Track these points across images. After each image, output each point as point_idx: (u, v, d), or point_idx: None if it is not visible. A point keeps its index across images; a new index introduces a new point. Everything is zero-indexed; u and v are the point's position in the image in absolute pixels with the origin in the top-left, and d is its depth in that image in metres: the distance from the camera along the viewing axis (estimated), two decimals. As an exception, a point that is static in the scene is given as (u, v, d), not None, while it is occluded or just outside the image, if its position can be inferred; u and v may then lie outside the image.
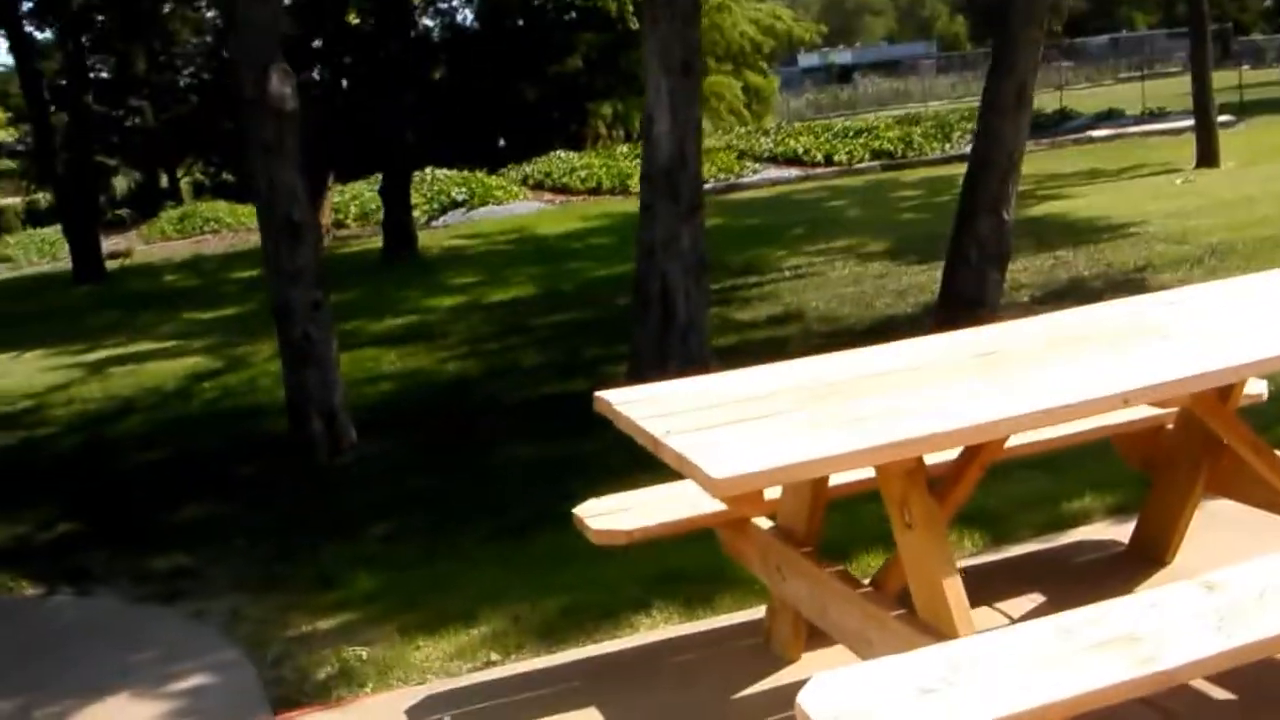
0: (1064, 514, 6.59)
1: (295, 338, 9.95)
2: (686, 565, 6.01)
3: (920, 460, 3.86)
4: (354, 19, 26.86)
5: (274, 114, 9.71)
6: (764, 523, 4.92)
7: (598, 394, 4.44)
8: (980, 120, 11.98)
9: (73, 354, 16.42)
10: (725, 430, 3.82)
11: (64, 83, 29.03)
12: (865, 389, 4.17)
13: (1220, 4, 66.39)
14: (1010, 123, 11.52)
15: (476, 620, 5.90)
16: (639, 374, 10.51)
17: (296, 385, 10.05)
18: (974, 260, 11.54)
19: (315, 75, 28.79)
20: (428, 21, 46.02)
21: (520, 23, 42.17)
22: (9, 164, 40.67)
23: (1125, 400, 3.95)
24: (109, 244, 30.36)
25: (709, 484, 3.44)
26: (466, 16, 45.92)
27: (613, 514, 4.97)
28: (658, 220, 10.56)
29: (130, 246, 31.27)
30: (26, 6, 27.13)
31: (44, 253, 31.18)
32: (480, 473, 8.97)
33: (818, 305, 13.56)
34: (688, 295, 10.54)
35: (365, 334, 15.06)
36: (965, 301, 11.55)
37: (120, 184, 45.04)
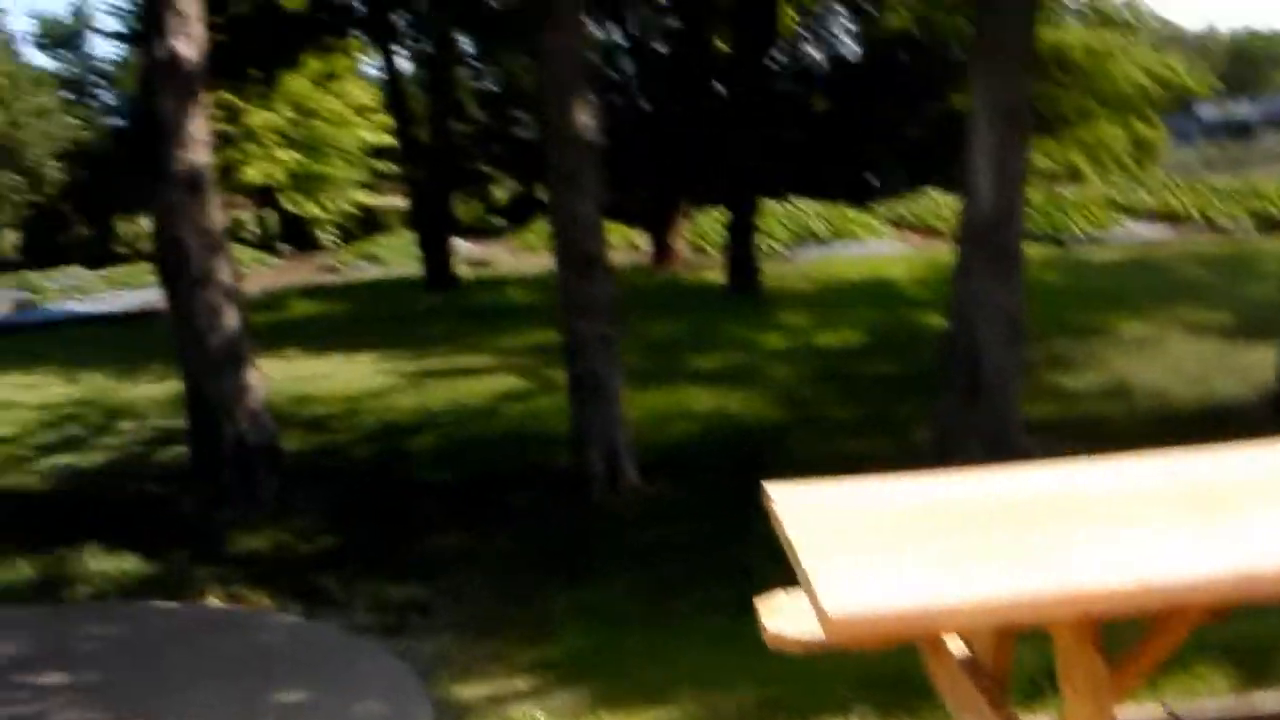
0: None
1: (582, 371, 9.76)
2: (903, 667, 5.52)
3: (1091, 618, 3.29)
4: (721, 44, 26.62)
5: (573, 144, 9.51)
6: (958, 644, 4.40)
7: (767, 486, 3.99)
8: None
9: (399, 361, 16.64)
10: (872, 554, 3.35)
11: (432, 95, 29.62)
12: (1051, 515, 3.63)
13: None
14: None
15: (670, 700, 5.52)
16: (942, 441, 10.03)
17: (580, 420, 9.87)
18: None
19: (676, 99, 28.66)
20: (811, 50, 45.90)
21: (904, 57, 41.64)
22: (394, 168, 41.93)
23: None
24: (475, 251, 30.95)
25: (822, 619, 2.99)
26: (849, 47, 45.65)
27: (797, 611, 4.50)
28: (972, 278, 10.00)
29: (488, 257, 31.79)
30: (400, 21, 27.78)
31: (409, 255, 31.97)
32: (744, 533, 8.57)
33: (1150, 380, 12.75)
34: (999, 361, 9.95)
35: (682, 369, 14.83)
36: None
37: (500, 193, 45.99)
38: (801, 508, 3.78)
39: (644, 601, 7.24)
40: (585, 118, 9.51)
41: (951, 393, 10.08)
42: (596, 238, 9.70)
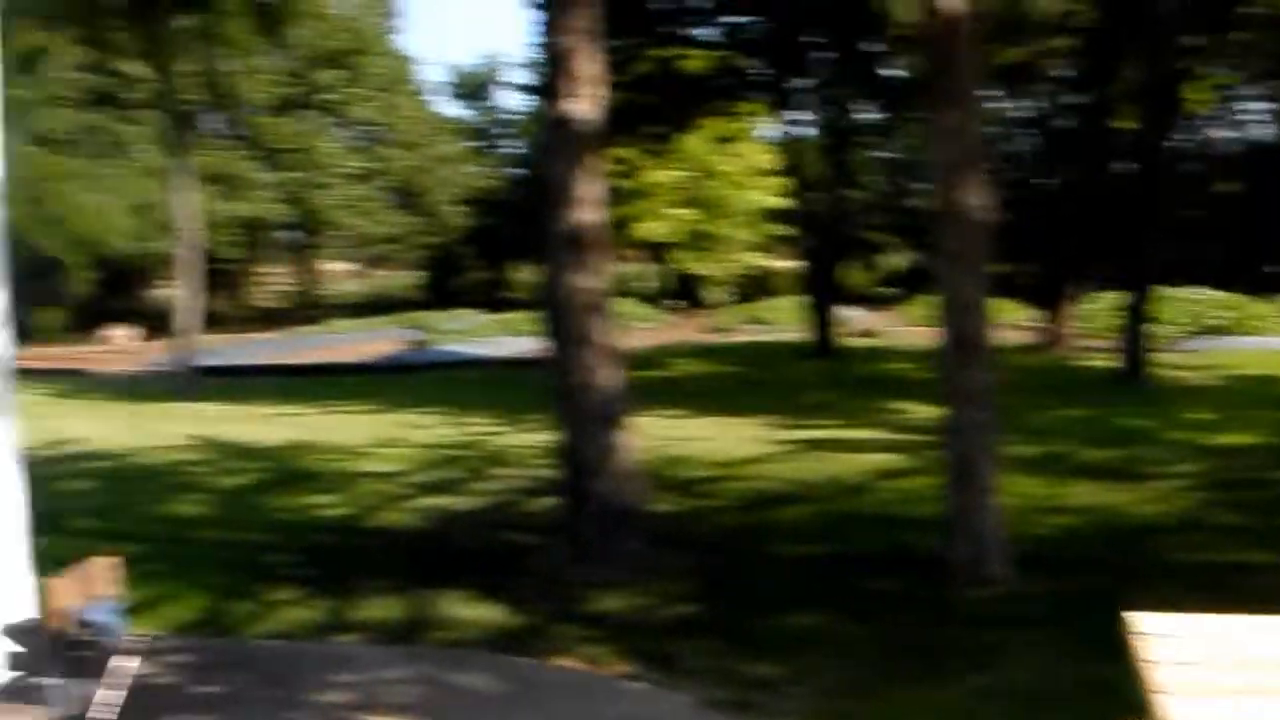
0: None
1: (958, 457, 9.53)
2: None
3: None
4: (1126, 122, 25.93)
5: (963, 223, 9.30)
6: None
7: (1131, 616, 3.74)
8: None
9: (777, 428, 16.65)
10: (1232, 700, 3.09)
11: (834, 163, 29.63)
12: None
13: None
14: None
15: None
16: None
17: (953, 506, 9.63)
18: None
19: (1075, 176, 28.03)
20: (1225, 132, 44.53)
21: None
22: (786, 231, 42.18)
23: None
24: (865, 319, 30.88)
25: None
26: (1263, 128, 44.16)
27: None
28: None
29: (877, 326, 31.65)
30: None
31: (795, 319, 32.07)
32: (1107, 644, 8.18)
33: None
34: None
35: (1065, 459, 14.40)
36: None
37: (893, 261, 45.84)
38: (1167, 641, 3.54)
39: (994, 708, 6.96)
40: (977, 197, 9.28)
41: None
42: (980, 321, 9.45)
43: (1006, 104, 30.11)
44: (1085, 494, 12.70)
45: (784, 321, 32.73)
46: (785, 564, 10.32)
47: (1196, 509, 12.11)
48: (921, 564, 9.84)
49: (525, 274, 44.59)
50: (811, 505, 12.41)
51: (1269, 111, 43.95)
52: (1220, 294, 31.72)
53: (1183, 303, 30.16)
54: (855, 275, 39.40)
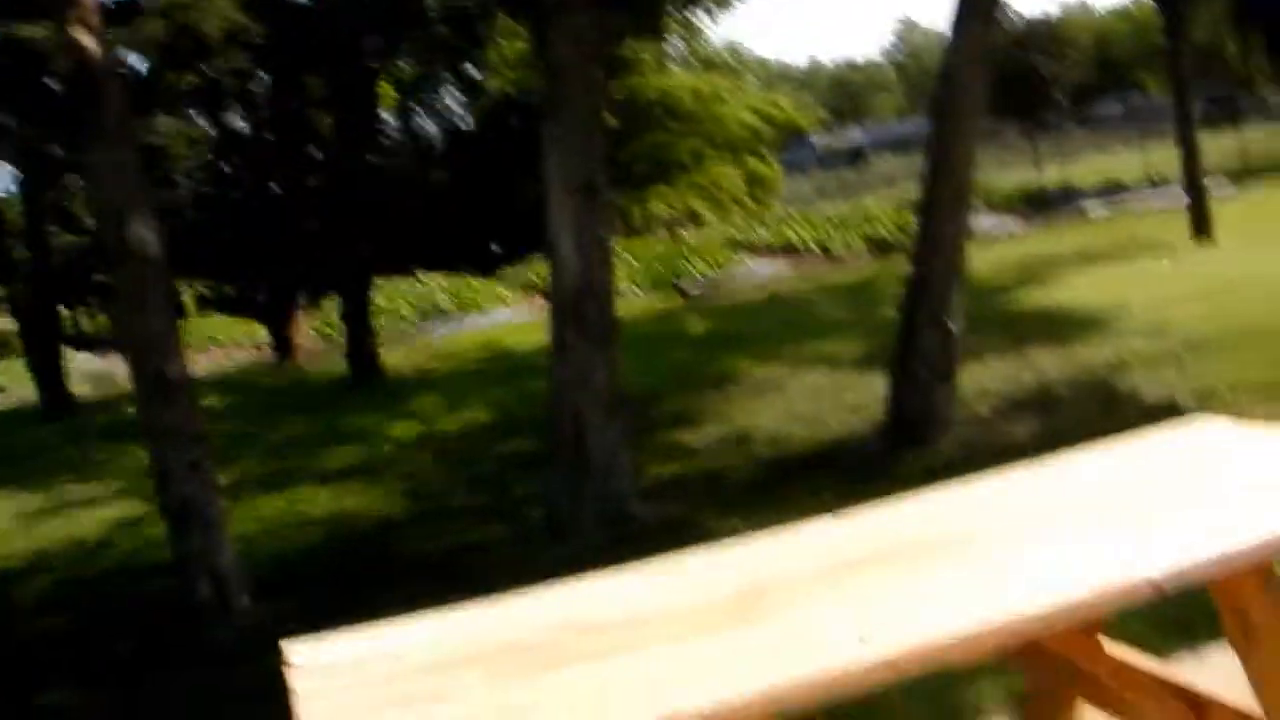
0: (956, 703, 5.73)
1: (174, 502, 9.22)
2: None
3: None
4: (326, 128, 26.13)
5: (134, 262, 8.99)
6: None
7: (285, 644, 3.61)
8: (919, 223, 11.24)
9: (8, 501, 15.76)
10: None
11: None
12: (573, 652, 3.33)
13: (1231, 65, 65.74)
14: (950, 223, 10.82)
15: None
16: (555, 521, 9.84)
17: (181, 551, 9.33)
18: (920, 376, 10.78)
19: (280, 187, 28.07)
20: (427, 125, 45.75)
21: (515, 122, 41.70)
22: None
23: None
24: (97, 364, 29.86)
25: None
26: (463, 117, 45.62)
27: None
28: (567, 351, 9.83)
29: (112, 368, 30.74)
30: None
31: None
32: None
33: (769, 425, 12.71)
34: (604, 434, 9.80)
35: (305, 470, 14.34)
36: (914, 420, 10.80)
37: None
38: (314, 669, 3.43)
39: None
40: (144, 233, 8.98)
41: (560, 470, 9.89)
42: (173, 357, 9.16)
43: (204, 124, 29.79)
44: (327, 502, 12.69)
45: (18, 383, 31.22)
46: (33, 640, 9.77)
47: (435, 497, 12.32)
48: (169, 612, 9.52)
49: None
50: (52, 574, 11.84)
51: (463, 103, 45.46)
52: (449, 279, 32.54)
53: (412, 293, 30.80)
54: (89, 320, 38.04)
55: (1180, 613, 5.29)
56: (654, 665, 3.14)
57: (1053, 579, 3.35)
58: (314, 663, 3.47)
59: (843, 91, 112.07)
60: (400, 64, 31.48)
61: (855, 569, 3.65)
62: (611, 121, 34.07)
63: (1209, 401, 10.33)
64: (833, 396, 13.49)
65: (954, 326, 10.75)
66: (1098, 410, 10.91)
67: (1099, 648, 4.32)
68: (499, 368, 20.59)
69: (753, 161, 46.53)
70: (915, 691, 5.70)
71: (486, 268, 34.81)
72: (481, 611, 3.68)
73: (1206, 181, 23.96)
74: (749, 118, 45.52)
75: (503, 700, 3.05)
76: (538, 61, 10.60)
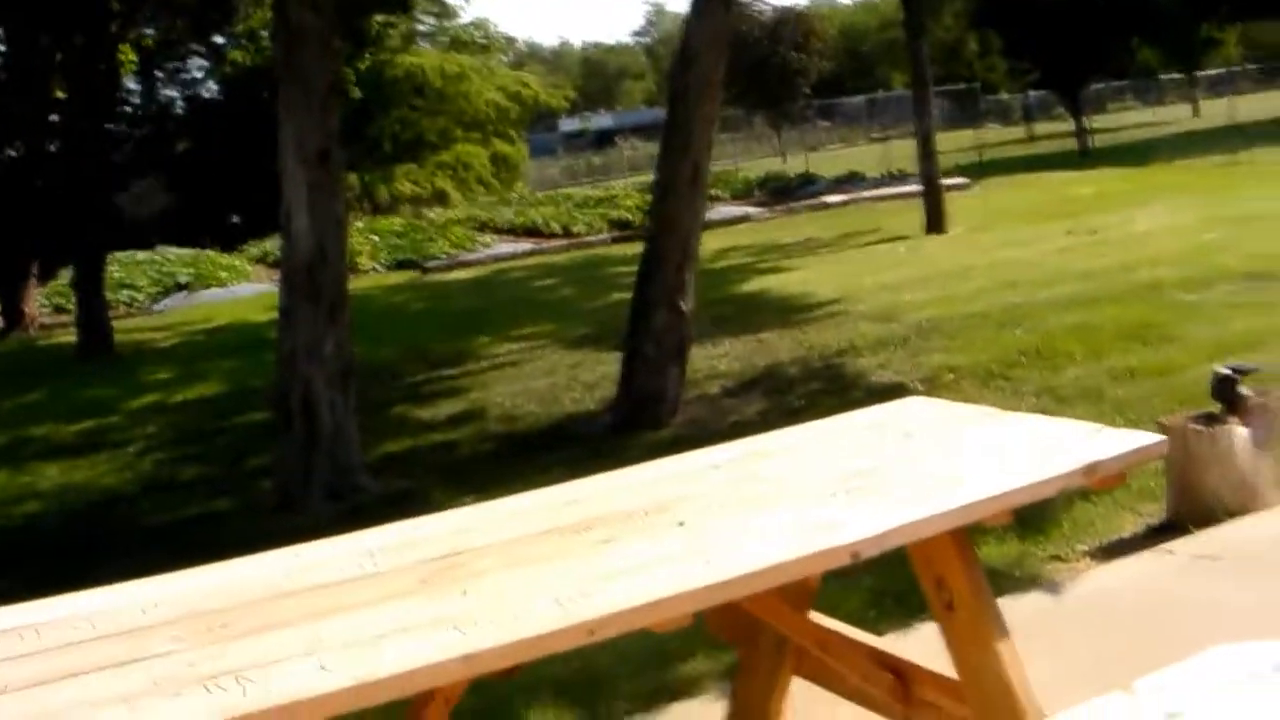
0: (672, 680, 5.77)
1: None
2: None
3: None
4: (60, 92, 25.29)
5: None
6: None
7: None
8: (654, 204, 11.33)
9: None
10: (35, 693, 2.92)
11: None
12: (280, 617, 3.28)
13: (969, 64, 67.46)
14: (685, 205, 10.89)
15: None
16: (284, 492, 9.73)
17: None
18: (651, 355, 10.86)
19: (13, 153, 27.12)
20: (170, 92, 44.69)
21: (266, 93, 40.94)
22: None
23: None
24: None
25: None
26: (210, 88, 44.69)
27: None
28: (297, 324, 9.71)
29: None
30: None
31: None
32: None
33: (503, 401, 12.70)
34: (333, 406, 9.71)
35: (35, 444, 13.92)
36: (645, 399, 10.87)
37: None
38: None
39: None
40: None
41: (289, 442, 9.78)
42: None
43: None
44: (57, 475, 12.31)
45: None
46: None
47: (165, 468, 12.08)
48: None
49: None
50: None
51: (208, 70, 44.54)
52: (190, 251, 31.86)
53: (150, 265, 30.06)
54: None
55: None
56: (358, 629, 3.11)
57: (752, 545, 3.40)
58: None
59: (593, 75, 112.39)
60: (146, 31, 30.71)
61: (558, 537, 3.67)
62: (355, 93, 33.83)
63: (933, 384, 10.62)
64: (567, 374, 13.54)
65: (686, 307, 10.85)
66: (826, 391, 11.13)
67: (808, 621, 4.40)
68: (235, 340, 20.23)
69: (499, 142, 46.35)
70: (633, 667, 5.77)
71: (228, 241, 34.12)
72: (189, 577, 3.62)
73: (942, 175, 24.52)
74: (497, 97, 45.35)
75: (201, 662, 3.00)
76: (278, 30, 10.42)
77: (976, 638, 3.85)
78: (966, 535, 3.81)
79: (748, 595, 3.48)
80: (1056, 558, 6.75)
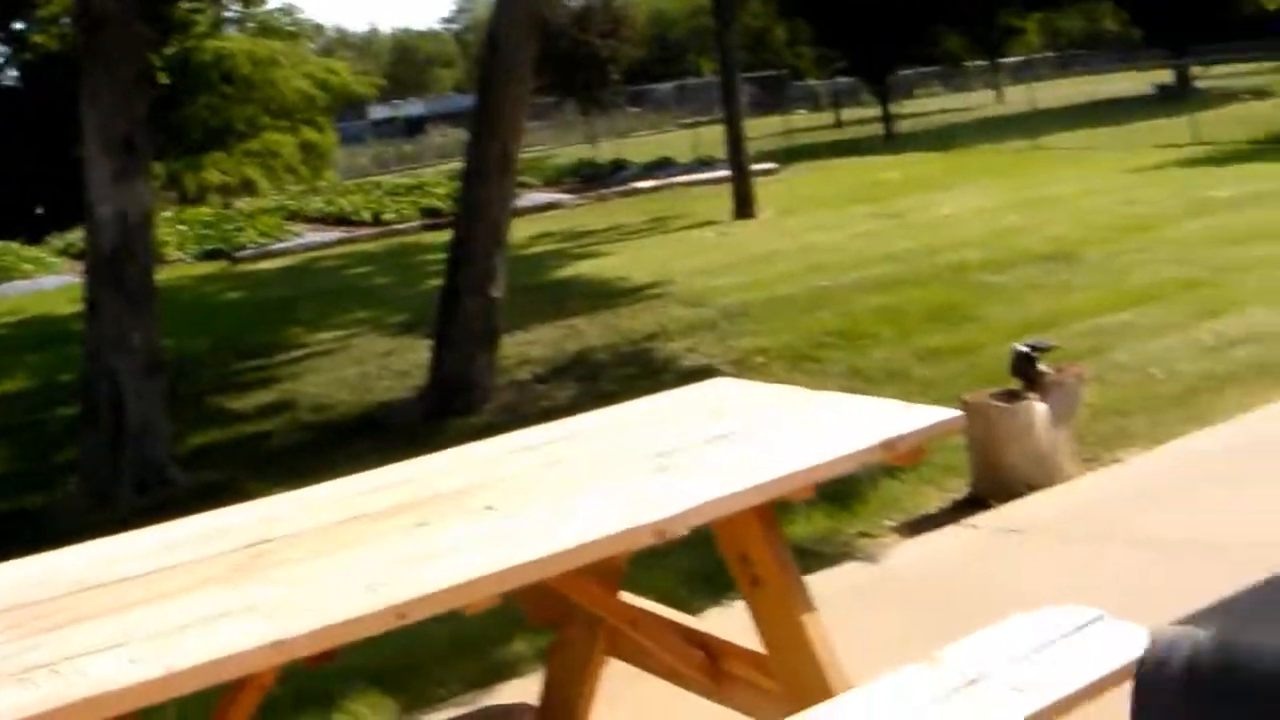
0: (493, 664, 5.79)
1: None
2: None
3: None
4: None
5: None
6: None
7: None
8: (463, 190, 11.32)
9: None
10: None
11: None
12: (90, 609, 3.26)
13: (778, 50, 68.18)
14: (494, 190, 10.91)
15: None
16: (93, 486, 9.58)
17: None
18: (461, 342, 10.86)
19: None
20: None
21: (64, 81, 40.14)
22: None
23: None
24: None
25: None
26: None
27: None
28: (103, 316, 9.57)
29: None
30: None
31: None
32: None
33: (315, 391, 12.60)
34: (141, 398, 9.57)
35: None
36: (456, 385, 10.87)
37: None
38: None
39: None
40: None
41: (96, 435, 9.63)
42: None
43: None
44: None
45: None
46: None
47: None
48: None
49: None
50: None
51: (8, 56, 43.66)
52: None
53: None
54: None
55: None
56: (167, 619, 3.10)
57: (560, 526, 3.44)
58: None
59: (402, 62, 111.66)
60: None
61: (369, 522, 3.68)
62: (162, 79, 33.30)
63: (743, 366, 10.74)
64: (379, 363, 13.48)
65: (496, 293, 10.86)
66: (637, 375, 11.20)
67: (618, 600, 4.45)
68: (41, 333, 19.81)
69: (308, 130, 45.97)
70: (452, 653, 5.79)
71: (32, 233, 33.41)
72: None
73: (751, 161, 24.73)
74: (305, 85, 44.99)
75: (12, 656, 2.97)
76: (79, 15, 10.26)
77: (782, 612, 3.93)
78: (770, 511, 3.88)
79: (556, 575, 3.51)
80: (864, 534, 6.87)
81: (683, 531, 3.52)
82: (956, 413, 4.08)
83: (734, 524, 3.85)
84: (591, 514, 3.50)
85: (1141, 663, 3.56)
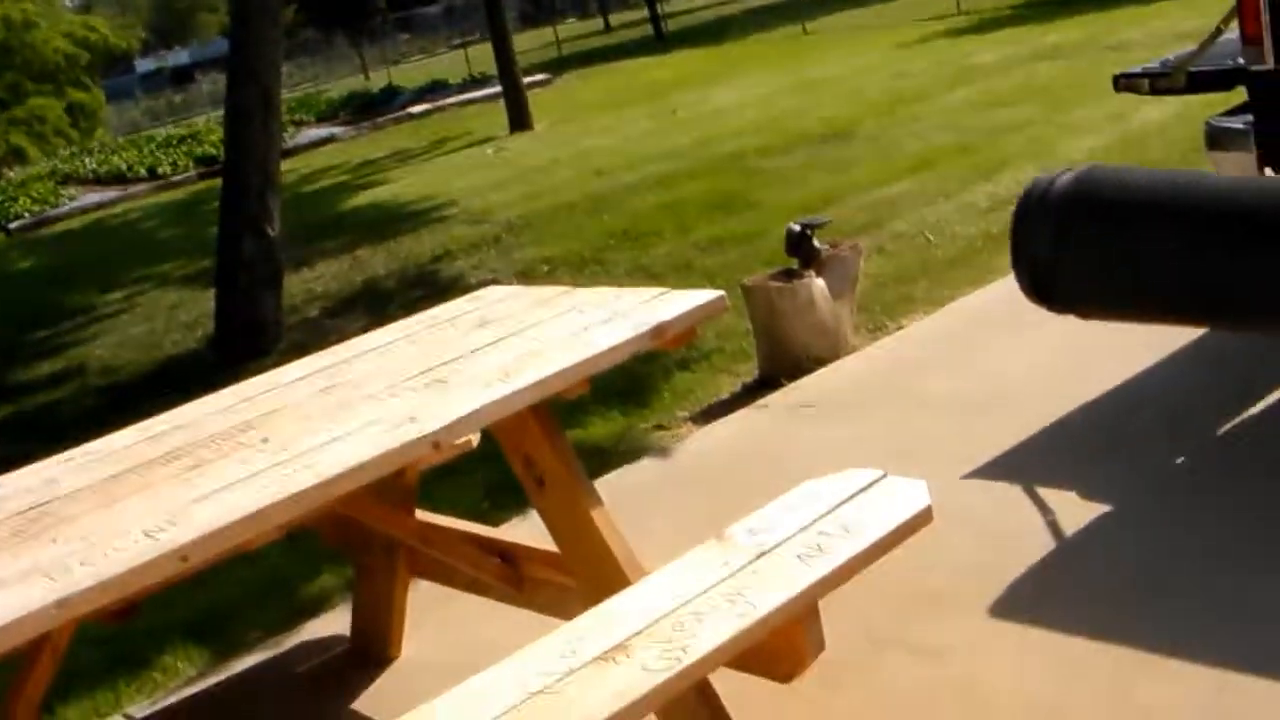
0: (305, 600, 5.76)
1: None
2: None
3: None
4: None
5: None
6: None
7: None
8: (226, 132, 11.14)
9: None
10: None
11: None
12: None
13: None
14: (260, 130, 10.74)
15: None
16: None
17: None
18: (243, 285, 10.72)
19: None
20: None
21: None
22: None
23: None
24: None
25: None
26: None
27: None
28: None
29: None
30: None
31: None
32: None
33: (104, 354, 12.37)
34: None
35: None
36: (244, 329, 10.74)
37: None
38: None
39: None
40: None
41: None
42: None
43: None
44: None
45: None
46: None
47: None
48: None
49: None
50: None
51: None
52: None
53: None
54: None
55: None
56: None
57: (336, 449, 3.42)
58: None
59: (165, 11, 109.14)
60: None
61: (145, 471, 3.64)
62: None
63: (528, 277, 10.75)
64: (167, 317, 13.27)
65: (273, 232, 10.73)
66: (425, 297, 11.14)
67: (410, 519, 4.45)
68: None
69: (74, 91, 44.79)
70: (260, 597, 5.77)
71: None
72: None
73: (523, 74, 24.66)
74: (65, 45, 43.80)
75: None
76: None
77: (570, 509, 3.96)
78: (547, 410, 3.89)
79: (338, 500, 3.49)
80: (660, 427, 6.92)
81: (458, 441, 3.52)
82: (718, 293, 4.11)
83: (512, 428, 3.86)
84: (368, 434, 3.48)
85: (1025, 194, 4.05)
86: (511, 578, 4.27)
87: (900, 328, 7.67)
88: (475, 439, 4.59)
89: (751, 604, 3.16)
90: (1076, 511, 4.79)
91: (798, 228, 7.34)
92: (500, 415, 3.62)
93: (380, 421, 3.55)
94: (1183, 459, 5.14)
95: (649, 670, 2.94)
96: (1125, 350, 6.01)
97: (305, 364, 4.47)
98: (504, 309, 4.54)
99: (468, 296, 4.93)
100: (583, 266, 11.01)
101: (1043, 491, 4.97)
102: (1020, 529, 4.74)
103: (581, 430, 6.92)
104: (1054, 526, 4.72)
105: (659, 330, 3.88)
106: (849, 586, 3.36)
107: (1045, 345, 6.43)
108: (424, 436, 3.41)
